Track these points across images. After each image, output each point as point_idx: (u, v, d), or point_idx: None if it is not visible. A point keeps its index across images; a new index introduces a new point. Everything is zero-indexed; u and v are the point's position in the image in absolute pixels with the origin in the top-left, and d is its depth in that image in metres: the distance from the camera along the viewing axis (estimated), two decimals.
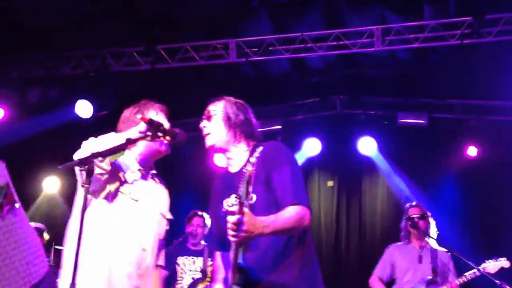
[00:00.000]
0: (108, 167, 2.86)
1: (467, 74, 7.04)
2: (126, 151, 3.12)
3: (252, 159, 2.34)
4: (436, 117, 7.88)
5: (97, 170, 2.79)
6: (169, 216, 3.31)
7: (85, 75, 6.68)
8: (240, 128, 2.92)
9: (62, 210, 7.70)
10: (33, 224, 6.56)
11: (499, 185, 7.69)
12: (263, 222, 2.45)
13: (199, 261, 5.89)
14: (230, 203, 2.74)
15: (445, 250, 5.53)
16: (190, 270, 5.78)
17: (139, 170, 3.12)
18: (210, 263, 5.69)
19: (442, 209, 7.99)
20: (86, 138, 2.89)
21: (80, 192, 3.01)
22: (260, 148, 2.82)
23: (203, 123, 2.98)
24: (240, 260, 2.55)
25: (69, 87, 6.95)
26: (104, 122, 7.15)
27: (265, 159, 2.75)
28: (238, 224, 2.34)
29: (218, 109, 2.96)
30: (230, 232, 2.37)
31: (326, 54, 6.69)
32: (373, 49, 6.42)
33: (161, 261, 3.51)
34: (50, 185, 8.03)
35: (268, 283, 2.64)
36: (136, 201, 3.06)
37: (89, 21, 6.06)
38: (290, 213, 2.58)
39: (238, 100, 3.03)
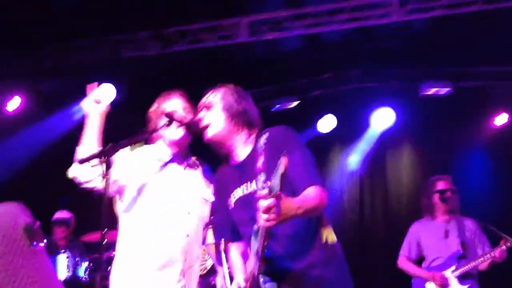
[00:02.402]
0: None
1: (492, 40, 6.74)
2: (159, 142, 3.20)
3: (284, 152, 2.22)
4: (460, 86, 7.61)
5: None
6: (212, 199, 3.25)
7: (96, 63, 6.60)
8: (241, 118, 2.82)
9: None
10: (62, 213, 6.62)
11: None
12: (296, 203, 2.38)
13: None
14: (257, 188, 2.62)
15: (470, 218, 5.34)
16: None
17: (172, 159, 3.15)
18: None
19: (470, 180, 7.79)
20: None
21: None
22: (266, 134, 2.75)
23: (202, 114, 2.87)
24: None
25: (82, 76, 6.90)
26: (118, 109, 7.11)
27: (274, 145, 2.66)
28: (272, 207, 2.21)
29: (217, 98, 2.85)
30: (263, 216, 2.24)
31: (341, 28, 6.46)
32: (390, 20, 6.17)
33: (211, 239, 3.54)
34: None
35: (294, 270, 2.60)
36: (172, 193, 3.07)
37: (94, 9, 5.96)
38: (314, 193, 2.53)
39: (237, 87, 2.93)
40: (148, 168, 3.08)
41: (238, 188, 2.81)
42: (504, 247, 4.94)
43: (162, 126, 3.04)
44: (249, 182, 2.75)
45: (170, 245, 3.01)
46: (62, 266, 5.87)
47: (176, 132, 3.09)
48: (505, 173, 7.70)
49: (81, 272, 5.93)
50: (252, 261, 2.62)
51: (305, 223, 2.65)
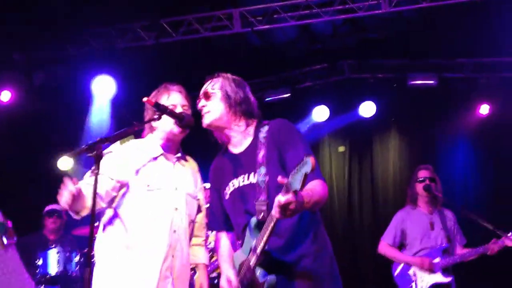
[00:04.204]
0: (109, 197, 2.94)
1: (477, 32, 6.90)
2: (149, 136, 3.15)
3: (308, 154, 2.27)
4: (446, 77, 7.79)
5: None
6: (200, 196, 3.25)
7: (91, 53, 6.64)
8: (239, 107, 2.82)
9: None
10: (53, 206, 6.60)
11: None
12: (306, 198, 2.40)
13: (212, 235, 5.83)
14: (257, 181, 2.68)
15: (449, 209, 5.45)
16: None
17: (162, 154, 3.10)
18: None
19: (456, 169, 7.97)
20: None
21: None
22: (266, 127, 2.80)
23: (202, 103, 2.86)
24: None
25: (77, 67, 6.91)
26: None
27: (275, 138, 2.72)
28: (290, 203, 2.27)
29: (216, 87, 2.85)
30: (277, 209, 2.29)
31: (332, 19, 6.58)
32: (380, 11, 6.29)
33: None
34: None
35: (287, 262, 2.65)
36: (159, 189, 3.03)
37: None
38: (319, 187, 2.57)
39: (235, 77, 2.94)
40: (137, 162, 3.02)
41: (235, 179, 2.82)
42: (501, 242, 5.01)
43: (153, 119, 2.97)
44: (247, 174, 2.76)
45: (156, 241, 2.95)
46: (53, 261, 5.78)
47: (168, 125, 3.04)
48: (490, 162, 7.89)
49: (72, 267, 5.84)
50: (242, 253, 2.68)
51: (300, 216, 2.69)
